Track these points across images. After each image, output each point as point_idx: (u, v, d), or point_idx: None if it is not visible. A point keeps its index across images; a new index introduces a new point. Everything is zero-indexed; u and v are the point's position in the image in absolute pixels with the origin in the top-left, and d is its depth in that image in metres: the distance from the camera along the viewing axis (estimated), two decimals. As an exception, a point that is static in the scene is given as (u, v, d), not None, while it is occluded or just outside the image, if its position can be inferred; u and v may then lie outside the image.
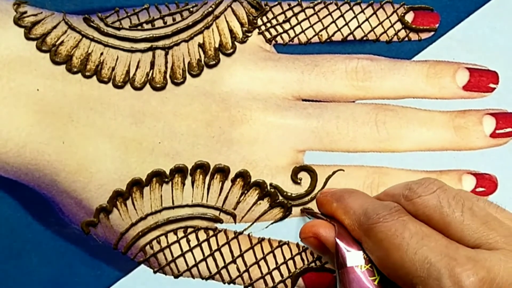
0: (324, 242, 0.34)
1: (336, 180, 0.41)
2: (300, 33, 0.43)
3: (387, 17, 0.43)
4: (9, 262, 0.40)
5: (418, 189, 0.32)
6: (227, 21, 0.42)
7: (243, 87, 0.41)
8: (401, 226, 0.30)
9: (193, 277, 0.41)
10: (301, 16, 0.43)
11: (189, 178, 0.41)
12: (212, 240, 0.41)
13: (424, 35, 0.43)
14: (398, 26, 0.43)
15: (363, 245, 0.32)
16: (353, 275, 0.32)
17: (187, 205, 0.41)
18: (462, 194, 0.32)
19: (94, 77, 0.41)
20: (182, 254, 0.40)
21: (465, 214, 0.31)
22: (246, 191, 0.41)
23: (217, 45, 0.42)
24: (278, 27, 0.43)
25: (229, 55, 0.42)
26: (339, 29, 0.43)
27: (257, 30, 0.43)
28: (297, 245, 0.41)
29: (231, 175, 0.41)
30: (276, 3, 0.43)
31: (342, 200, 0.35)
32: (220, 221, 0.41)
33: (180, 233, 0.41)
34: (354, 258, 0.33)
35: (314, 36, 0.43)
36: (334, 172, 0.41)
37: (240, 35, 0.42)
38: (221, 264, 0.41)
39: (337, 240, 0.33)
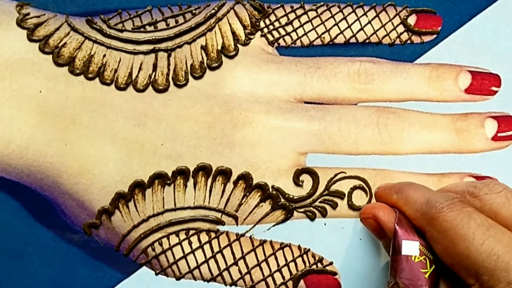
0: (382, 225, 0.35)
1: (338, 183, 0.41)
2: (302, 35, 0.43)
3: (390, 20, 0.43)
4: (11, 263, 0.40)
5: (484, 187, 0.33)
6: (229, 24, 0.42)
7: (245, 90, 0.41)
8: (466, 216, 0.31)
9: (195, 279, 0.41)
10: (304, 19, 0.43)
11: (191, 180, 0.41)
12: (214, 242, 0.41)
13: (426, 38, 0.43)
14: (401, 29, 0.43)
15: (426, 234, 0.33)
16: (406, 264, 0.33)
17: (189, 207, 0.41)
18: None
19: (97, 79, 0.41)
20: (184, 256, 0.40)
21: None
22: (248, 193, 0.41)
23: (219, 48, 0.42)
24: (280, 30, 0.43)
25: (231, 57, 0.42)
26: (341, 32, 0.43)
27: (259, 32, 0.43)
28: (299, 247, 0.41)
29: (233, 177, 0.41)
30: (279, 5, 0.43)
31: (402, 192, 0.36)
32: (222, 223, 0.41)
33: (182, 235, 0.41)
34: (410, 247, 0.33)
35: (316, 38, 0.43)
36: (336, 175, 0.41)
37: (242, 37, 0.42)
38: (223, 266, 0.41)
39: (396, 227, 0.34)
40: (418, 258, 0.33)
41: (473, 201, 0.32)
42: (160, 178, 0.40)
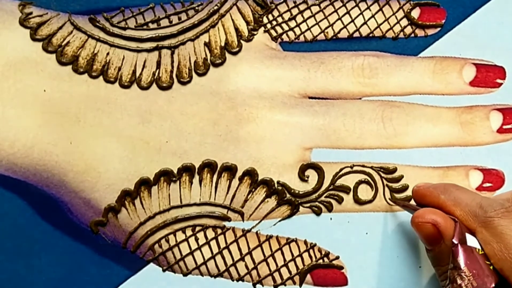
0: (441, 231, 0.35)
1: (343, 177, 0.41)
2: (306, 30, 0.43)
3: (393, 14, 0.43)
4: (19, 262, 0.40)
5: None
6: (232, 20, 0.42)
7: (249, 86, 0.41)
8: None
9: (202, 275, 0.41)
10: (307, 14, 0.43)
11: (196, 177, 0.41)
12: (220, 238, 0.41)
13: (430, 31, 0.43)
14: (404, 22, 0.43)
15: (477, 235, 0.34)
16: (472, 254, 0.33)
17: (195, 204, 0.41)
18: None
19: (101, 77, 0.41)
20: (191, 252, 0.41)
21: None
22: (253, 189, 0.41)
23: (223, 44, 0.42)
24: (284, 25, 0.43)
25: (235, 53, 0.42)
26: (345, 26, 0.43)
27: (263, 28, 0.42)
28: (305, 242, 0.41)
29: (239, 173, 0.41)
30: (282, 0, 0.43)
31: (449, 193, 0.36)
32: (228, 219, 0.41)
33: (189, 232, 0.41)
34: (473, 241, 0.34)
35: (320, 33, 0.43)
36: (341, 169, 0.41)
37: (246, 33, 0.42)
38: (229, 261, 0.41)
39: (457, 223, 0.34)
40: (481, 251, 0.34)
41: None
42: (166, 175, 0.40)
